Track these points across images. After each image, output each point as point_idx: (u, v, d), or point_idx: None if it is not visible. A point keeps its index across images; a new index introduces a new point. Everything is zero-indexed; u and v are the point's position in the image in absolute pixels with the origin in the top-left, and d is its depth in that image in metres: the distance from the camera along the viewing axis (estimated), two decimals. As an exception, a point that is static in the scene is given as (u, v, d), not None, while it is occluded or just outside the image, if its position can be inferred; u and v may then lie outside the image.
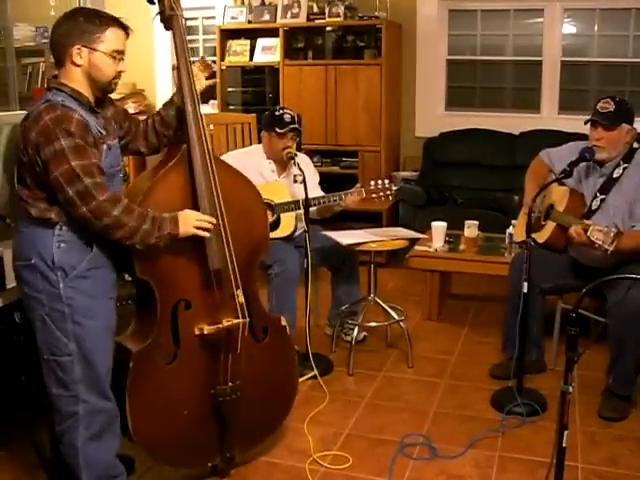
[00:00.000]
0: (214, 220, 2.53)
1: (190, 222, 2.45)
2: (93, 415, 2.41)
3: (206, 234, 2.50)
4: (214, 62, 6.61)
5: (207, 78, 2.87)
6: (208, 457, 2.79)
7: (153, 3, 2.64)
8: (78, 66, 2.32)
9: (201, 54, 7.40)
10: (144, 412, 2.55)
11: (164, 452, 2.66)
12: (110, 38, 2.34)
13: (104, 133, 2.40)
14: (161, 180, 2.53)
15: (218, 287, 2.63)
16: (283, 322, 2.97)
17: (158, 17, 2.64)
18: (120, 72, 2.42)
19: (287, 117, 3.92)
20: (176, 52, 2.61)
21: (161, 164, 2.60)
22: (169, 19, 2.62)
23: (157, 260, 2.49)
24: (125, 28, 2.40)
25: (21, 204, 2.34)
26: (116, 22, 2.37)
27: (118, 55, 2.37)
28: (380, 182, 3.90)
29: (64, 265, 2.32)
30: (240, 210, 2.71)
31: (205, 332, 2.60)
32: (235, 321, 2.65)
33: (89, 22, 2.32)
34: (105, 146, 2.38)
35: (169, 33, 2.64)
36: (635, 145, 3.48)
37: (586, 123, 3.49)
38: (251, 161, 4.01)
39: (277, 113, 3.96)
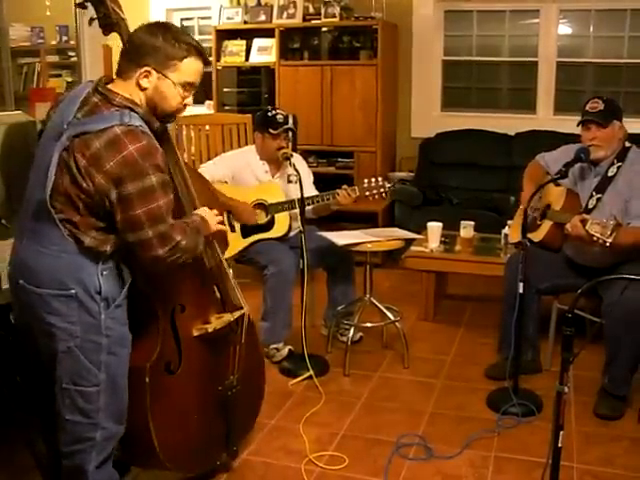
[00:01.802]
0: (218, 213, 2.53)
1: (212, 219, 2.45)
2: (108, 441, 2.31)
3: (227, 227, 2.49)
4: (209, 63, 6.61)
5: None
6: (218, 456, 2.80)
7: (84, 7, 2.43)
8: (143, 89, 2.17)
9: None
10: (167, 428, 2.50)
11: (187, 463, 2.64)
12: (186, 68, 2.18)
13: None
14: None
15: (207, 285, 2.63)
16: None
17: (96, 22, 2.43)
18: (186, 105, 2.27)
19: (280, 117, 3.92)
20: None
21: None
22: (115, 24, 2.40)
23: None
24: (205, 60, 2.25)
25: (65, 227, 2.10)
26: (198, 52, 2.21)
27: (189, 87, 2.22)
28: (374, 180, 3.90)
29: (108, 295, 2.17)
30: (206, 203, 2.66)
31: (210, 330, 2.58)
32: (241, 311, 2.68)
33: (169, 44, 2.15)
34: None
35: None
36: (627, 144, 3.50)
37: (579, 125, 3.50)
38: (245, 162, 4.02)
39: (270, 114, 3.96)
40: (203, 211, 2.46)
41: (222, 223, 2.57)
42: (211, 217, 2.46)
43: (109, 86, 2.19)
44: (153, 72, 2.16)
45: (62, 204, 2.10)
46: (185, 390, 2.59)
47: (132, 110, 2.13)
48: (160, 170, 2.08)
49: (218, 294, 2.69)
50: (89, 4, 2.41)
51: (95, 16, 2.41)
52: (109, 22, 2.40)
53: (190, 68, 2.20)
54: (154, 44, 2.15)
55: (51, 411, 2.38)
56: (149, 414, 2.43)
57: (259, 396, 3.07)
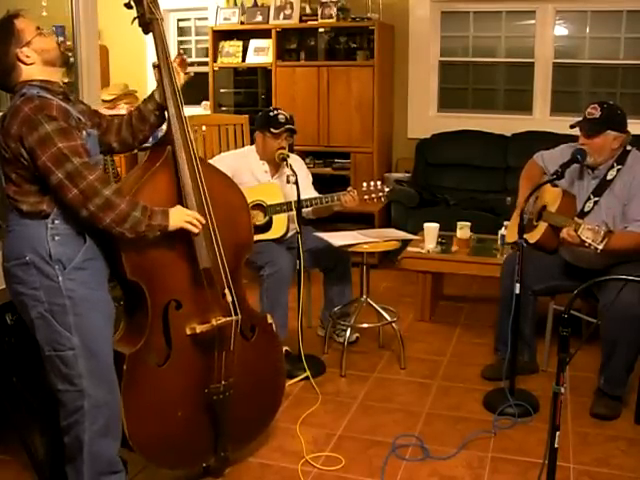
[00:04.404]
0: (203, 219, 2.54)
1: (181, 216, 2.48)
2: (98, 409, 2.38)
3: (194, 229, 2.50)
4: (206, 63, 6.62)
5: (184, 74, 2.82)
6: (202, 457, 2.80)
7: (130, 7, 2.61)
8: (32, 64, 2.33)
9: (194, 55, 7.39)
10: (139, 415, 2.54)
11: (160, 455, 2.65)
12: (26, 25, 2.34)
13: (82, 119, 2.40)
14: (148, 182, 2.52)
15: (208, 286, 2.64)
16: (269, 320, 2.97)
17: (137, 21, 2.61)
18: (59, 42, 2.45)
19: (281, 117, 3.92)
20: (157, 56, 2.60)
21: (146, 166, 2.60)
22: (149, 23, 2.60)
23: (148, 261, 2.49)
24: (19, 12, 2.39)
25: (10, 202, 2.32)
26: (13, 16, 2.36)
27: (41, 30, 2.37)
28: (373, 184, 3.90)
29: (61, 257, 2.30)
30: (225, 210, 2.71)
31: (197, 331, 2.60)
32: (227, 319, 2.66)
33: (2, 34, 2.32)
34: (85, 132, 2.37)
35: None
36: (628, 147, 3.48)
37: (571, 127, 3.49)
38: (244, 162, 4.01)
39: (272, 114, 3.96)
40: (177, 208, 2.51)
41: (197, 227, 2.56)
42: (179, 214, 2.48)
43: None
44: (23, 49, 2.32)
45: (6, 183, 2.33)
46: (168, 385, 2.61)
47: (29, 85, 2.33)
48: (53, 119, 2.23)
49: (230, 298, 2.67)
50: (133, 3, 2.60)
51: (136, 15, 2.61)
52: (144, 21, 2.59)
53: (27, 21, 2.36)
54: (4, 32, 2.32)
55: (48, 412, 2.40)
56: (121, 399, 2.46)
57: (268, 411, 3.03)
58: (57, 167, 2.22)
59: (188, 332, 2.61)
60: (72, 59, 2.76)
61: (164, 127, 2.69)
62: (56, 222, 2.31)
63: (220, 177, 2.79)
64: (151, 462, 2.69)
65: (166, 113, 2.60)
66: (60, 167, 2.22)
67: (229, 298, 2.67)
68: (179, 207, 2.52)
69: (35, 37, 2.34)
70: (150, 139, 2.83)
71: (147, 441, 2.59)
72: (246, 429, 2.91)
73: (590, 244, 2.96)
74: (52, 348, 2.34)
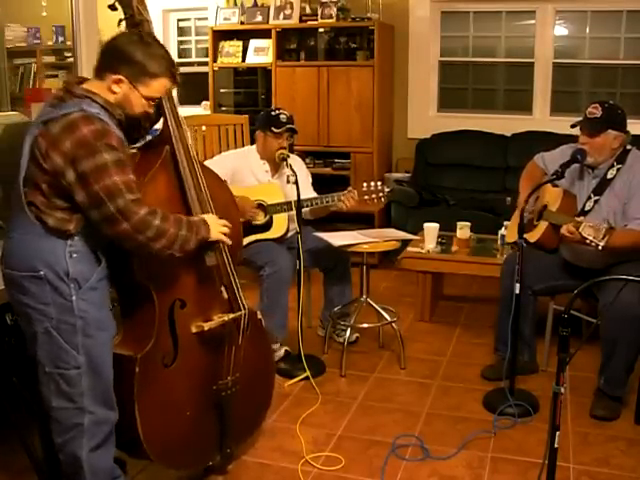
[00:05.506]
0: (230, 225, 2.58)
1: (217, 226, 2.50)
2: (98, 426, 2.36)
3: (228, 241, 2.54)
4: (206, 63, 6.61)
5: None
6: (210, 455, 2.80)
7: (115, 9, 2.55)
8: (113, 93, 2.28)
9: (194, 55, 7.39)
10: (152, 417, 2.51)
11: (171, 455, 2.64)
12: (156, 86, 2.31)
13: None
14: (149, 184, 2.48)
15: (211, 284, 2.65)
16: (259, 315, 2.98)
17: (123, 23, 2.56)
18: (147, 113, 2.39)
19: (283, 117, 3.92)
20: None
21: (143, 166, 2.54)
22: (138, 24, 2.54)
23: (156, 262, 2.46)
24: (175, 81, 2.37)
25: (31, 210, 2.22)
26: (171, 74, 2.34)
27: (154, 100, 2.36)
28: (373, 184, 3.90)
29: (78, 277, 2.25)
30: (221, 208, 2.71)
31: (205, 328, 2.60)
32: (238, 313, 2.70)
33: (147, 61, 2.27)
34: None
35: (161, 32, 2.61)
36: (628, 147, 3.49)
37: (572, 127, 3.50)
38: (245, 162, 4.01)
39: (273, 113, 3.97)
40: (209, 216, 2.52)
41: (230, 236, 2.60)
42: (215, 224, 2.51)
43: (84, 85, 2.30)
44: (125, 81, 2.28)
45: (30, 188, 2.22)
46: (178, 385, 2.61)
47: (92, 100, 2.25)
48: (113, 149, 2.17)
49: (226, 295, 2.70)
50: (119, 5, 2.54)
51: (123, 17, 2.55)
52: (134, 22, 2.53)
53: (160, 86, 2.34)
54: (133, 57, 2.27)
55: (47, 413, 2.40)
56: (136, 404, 2.45)
57: (263, 404, 3.06)
58: (109, 199, 2.16)
59: (194, 330, 2.61)
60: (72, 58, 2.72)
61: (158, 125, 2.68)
62: (75, 239, 2.25)
63: (212, 175, 2.79)
64: (162, 463, 2.67)
65: (162, 112, 2.58)
66: (112, 200, 2.16)
67: (225, 295, 2.69)
68: (212, 216, 2.53)
69: (142, 96, 2.29)
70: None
71: (160, 442, 2.56)
72: (244, 425, 2.93)
73: (592, 241, 2.96)
74: (55, 365, 2.28)
